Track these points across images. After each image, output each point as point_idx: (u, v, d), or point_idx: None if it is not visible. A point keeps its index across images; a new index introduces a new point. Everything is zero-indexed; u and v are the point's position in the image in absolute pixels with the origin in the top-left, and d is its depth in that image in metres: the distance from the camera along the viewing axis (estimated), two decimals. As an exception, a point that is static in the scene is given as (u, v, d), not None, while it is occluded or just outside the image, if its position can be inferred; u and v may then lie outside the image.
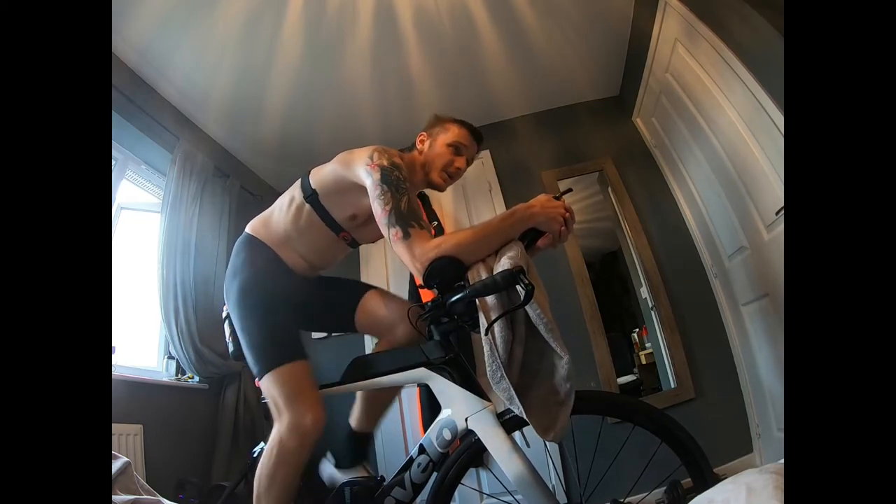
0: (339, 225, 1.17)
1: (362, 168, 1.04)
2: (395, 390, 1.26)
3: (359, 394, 1.22)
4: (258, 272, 1.13)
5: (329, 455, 1.20)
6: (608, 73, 2.66)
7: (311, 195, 1.14)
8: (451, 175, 1.22)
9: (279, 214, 1.19)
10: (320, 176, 1.15)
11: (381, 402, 1.25)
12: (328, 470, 1.17)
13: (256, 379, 1.05)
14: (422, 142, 1.24)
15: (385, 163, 1.02)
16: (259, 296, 1.10)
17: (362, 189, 1.05)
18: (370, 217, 1.06)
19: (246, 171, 2.84)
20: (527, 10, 2.12)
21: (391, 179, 1.00)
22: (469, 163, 1.25)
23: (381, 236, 1.06)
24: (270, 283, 1.12)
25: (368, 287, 1.29)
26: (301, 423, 0.98)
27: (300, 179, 1.19)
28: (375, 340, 1.29)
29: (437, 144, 1.21)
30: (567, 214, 0.99)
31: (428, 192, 2.62)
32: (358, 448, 1.21)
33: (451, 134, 1.22)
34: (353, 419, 1.23)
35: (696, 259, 2.38)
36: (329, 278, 1.32)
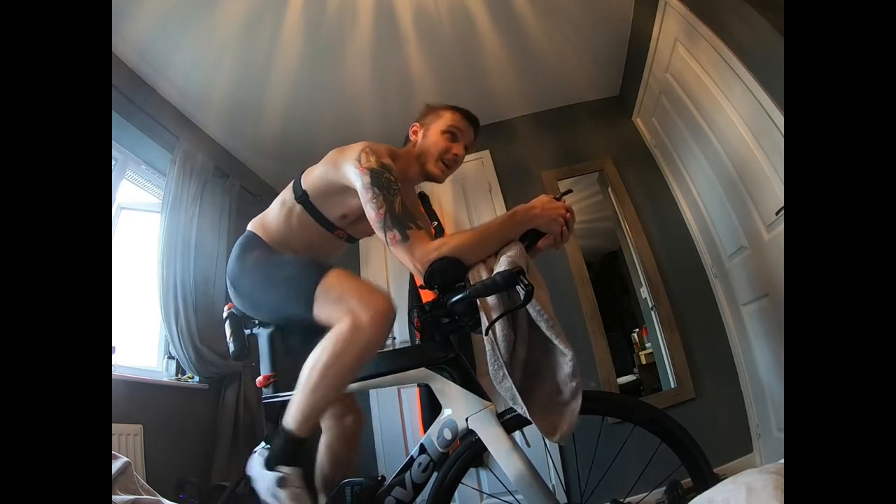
0: (332, 223, 1.16)
1: (351, 170, 1.02)
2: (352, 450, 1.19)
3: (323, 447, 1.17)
4: (266, 251, 1.13)
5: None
6: (608, 73, 2.66)
7: (301, 196, 1.13)
8: (449, 164, 1.17)
9: (273, 215, 1.19)
10: (311, 177, 1.14)
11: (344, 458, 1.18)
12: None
13: (311, 311, 0.94)
14: (415, 133, 1.21)
15: (374, 164, 1.00)
16: (274, 256, 1.10)
17: (352, 189, 1.03)
18: (362, 215, 1.04)
19: (246, 171, 2.84)
20: (527, 10, 2.12)
21: (382, 182, 0.98)
22: (466, 149, 1.20)
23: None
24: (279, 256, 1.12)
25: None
26: (374, 304, 0.89)
27: (293, 181, 1.18)
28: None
29: (431, 133, 1.18)
30: (568, 215, 0.99)
31: (428, 192, 2.63)
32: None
33: (444, 120, 1.18)
34: (318, 477, 1.13)
35: (696, 259, 2.38)
36: None
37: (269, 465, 0.93)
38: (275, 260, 1.09)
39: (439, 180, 1.20)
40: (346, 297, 0.92)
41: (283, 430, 0.93)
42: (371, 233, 1.19)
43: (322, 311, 0.94)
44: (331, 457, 1.17)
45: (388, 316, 0.91)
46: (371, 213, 0.98)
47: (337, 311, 0.92)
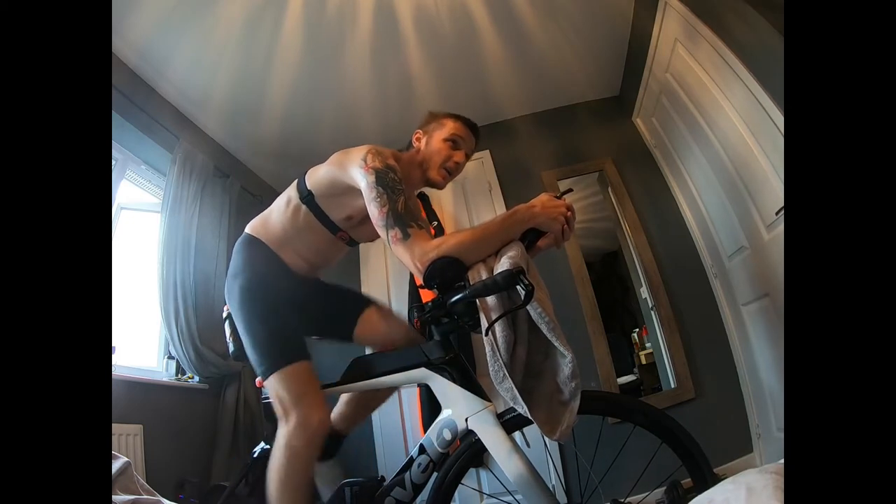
0: (336, 225, 1.17)
1: (357, 170, 1.03)
2: (388, 392, 1.26)
3: (346, 397, 1.22)
4: (259, 272, 1.13)
5: None
6: (608, 73, 2.66)
7: (307, 196, 1.14)
8: (450, 171, 1.20)
9: (277, 215, 1.19)
10: (316, 177, 1.14)
11: (369, 407, 1.24)
12: None
13: (259, 379, 1.04)
14: (418, 139, 1.23)
15: (379, 165, 1.01)
16: (261, 296, 1.10)
17: (357, 190, 1.05)
18: (366, 217, 1.05)
19: (246, 171, 2.84)
20: (527, 10, 2.12)
21: (386, 181, 0.99)
22: (468, 157, 1.23)
23: (379, 235, 1.06)
24: (272, 284, 1.12)
25: (370, 301, 1.28)
26: (308, 422, 0.97)
27: (297, 180, 1.18)
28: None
29: (433, 140, 1.20)
30: (568, 214, 0.98)
31: (428, 191, 2.63)
32: (330, 445, 1.18)
33: (447, 128, 1.20)
34: (334, 418, 1.21)
35: (696, 259, 2.38)
36: (331, 285, 1.31)
37: None
38: (260, 306, 1.09)
39: (440, 187, 1.22)
40: (288, 402, 0.99)
41: None
42: (371, 238, 1.21)
43: (271, 392, 1.02)
44: (348, 402, 1.23)
45: (317, 431, 0.98)
46: (374, 211, 0.98)
47: (279, 406, 1.01)
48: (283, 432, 0.99)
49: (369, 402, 1.23)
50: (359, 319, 1.23)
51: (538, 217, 0.97)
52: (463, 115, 1.24)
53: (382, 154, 1.05)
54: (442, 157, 1.18)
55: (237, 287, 1.11)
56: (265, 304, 1.09)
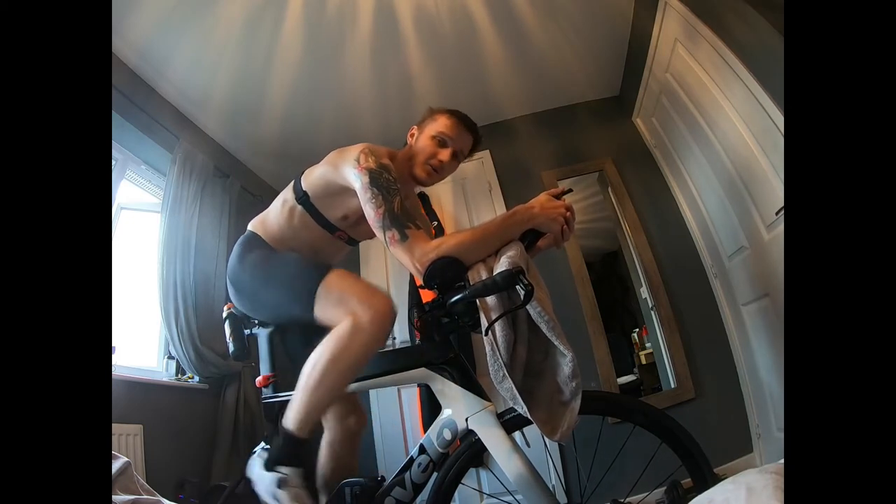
0: (333, 225, 1.16)
1: (350, 171, 1.02)
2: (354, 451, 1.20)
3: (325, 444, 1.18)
4: (266, 251, 1.13)
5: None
6: (608, 73, 2.66)
7: (302, 197, 1.14)
8: (435, 168, 1.14)
9: (274, 216, 1.19)
10: (311, 178, 1.14)
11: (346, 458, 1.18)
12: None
13: (312, 311, 0.94)
14: (412, 135, 1.22)
15: (373, 165, 1.00)
16: (274, 256, 1.10)
17: (352, 191, 1.04)
18: (362, 217, 1.04)
19: (246, 171, 2.84)
20: (527, 10, 2.12)
21: (380, 182, 0.98)
22: (456, 156, 1.17)
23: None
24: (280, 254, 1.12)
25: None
26: (375, 305, 0.90)
27: (293, 181, 1.18)
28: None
29: (423, 136, 1.17)
30: (568, 214, 0.98)
31: (428, 191, 2.63)
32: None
33: (436, 125, 1.16)
34: (319, 469, 1.15)
35: (696, 259, 2.38)
36: None
37: (269, 465, 0.93)
38: (276, 259, 1.10)
39: (424, 184, 1.18)
40: (347, 297, 0.93)
41: (283, 431, 0.93)
42: (371, 235, 1.19)
43: (323, 311, 0.94)
44: (332, 457, 1.17)
45: (389, 316, 0.91)
46: (370, 213, 0.98)
47: (338, 311, 0.92)
48: (341, 325, 0.89)
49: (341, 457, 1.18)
50: None
51: (537, 217, 0.97)
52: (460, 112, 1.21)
53: (376, 153, 1.03)
54: (426, 154, 1.14)
55: (248, 263, 1.10)
56: (280, 258, 1.08)
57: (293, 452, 0.93)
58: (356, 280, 0.98)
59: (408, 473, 0.98)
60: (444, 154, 1.15)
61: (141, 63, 2.03)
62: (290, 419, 0.92)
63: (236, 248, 1.18)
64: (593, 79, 2.68)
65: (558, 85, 2.68)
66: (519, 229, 0.98)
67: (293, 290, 1.01)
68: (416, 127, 1.23)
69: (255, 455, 1.02)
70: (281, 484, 0.90)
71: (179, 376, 2.10)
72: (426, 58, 2.27)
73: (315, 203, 1.14)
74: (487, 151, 2.80)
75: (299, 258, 1.08)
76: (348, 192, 1.06)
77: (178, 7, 1.81)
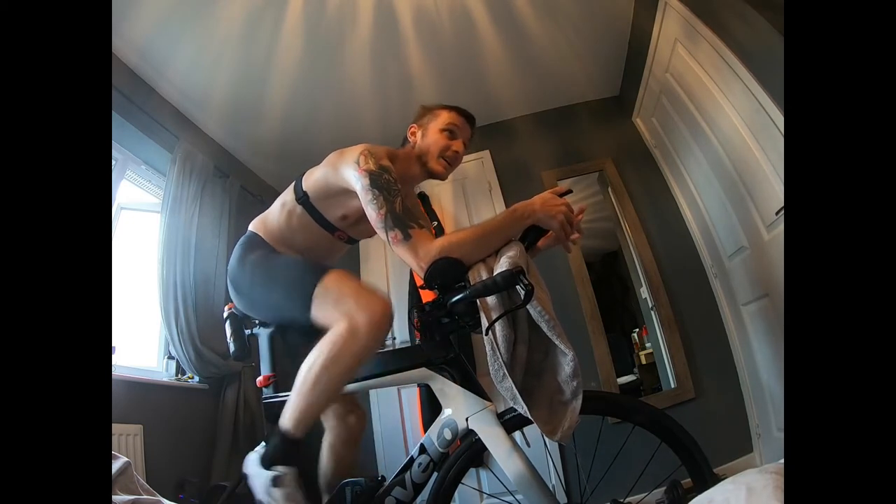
0: (333, 225, 1.17)
1: (351, 172, 1.03)
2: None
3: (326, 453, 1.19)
4: (266, 251, 1.14)
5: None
6: (608, 73, 2.66)
7: (302, 197, 1.15)
8: (450, 160, 1.18)
9: (274, 216, 1.20)
10: (312, 179, 1.15)
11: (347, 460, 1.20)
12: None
13: (309, 312, 0.95)
14: (413, 134, 1.22)
15: (373, 166, 1.01)
16: (275, 257, 1.11)
17: (352, 192, 1.05)
18: (362, 216, 1.05)
19: (246, 171, 2.84)
20: (527, 11, 2.12)
21: (381, 183, 0.98)
22: (465, 146, 1.22)
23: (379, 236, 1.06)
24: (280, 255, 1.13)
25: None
26: (372, 307, 0.90)
27: (294, 182, 1.19)
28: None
29: (430, 132, 1.19)
30: (567, 211, 0.97)
31: (428, 192, 2.64)
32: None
33: (442, 119, 1.19)
34: (322, 476, 1.17)
35: (696, 259, 2.38)
36: None
37: (265, 464, 0.93)
38: (275, 260, 1.10)
39: (442, 177, 1.20)
40: (344, 299, 0.93)
41: (279, 430, 0.93)
42: (370, 234, 1.20)
43: (320, 312, 0.95)
44: (333, 456, 1.17)
45: (386, 319, 0.91)
46: (372, 213, 0.98)
47: (335, 313, 0.92)
48: (336, 328, 0.90)
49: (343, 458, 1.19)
50: None
51: (537, 213, 0.97)
52: (457, 105, 1.23)
53: (376, 154, 1.04)
54: (440, 146, 1.17)
55: (248, 263, 1.11)
56: (280, 259, 1.09)
57: (289, 452, 0.93)
58: (353, 282, 0.98)
59: (408, 473, 0.98)
60: (458, 145, 1.18)
61: (141, 63, 2.03)
62: (287, 419, 0.92)
63: (237, 248, 1.18)
64: (593, 79, 2.68)
65: (558, 85, 2.69)
66: (520, 225, 0.98)
67: (291, 291, 1.01)
68: (415, 125, 1.23)
69: (253, 452, 1.03)
70: (276, 482, 0.90)
71: (179, 376, 2.10)
72: (426, 58, 2.27)
73: (315, 203, 1.14)
74: (487, 151, 2.80)
75: (299, 260, 1.08)
76: (348, 192, 1.07)
77: (178, 7, 1.81)
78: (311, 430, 0.95)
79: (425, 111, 1.24)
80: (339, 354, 0.89)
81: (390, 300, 0.94)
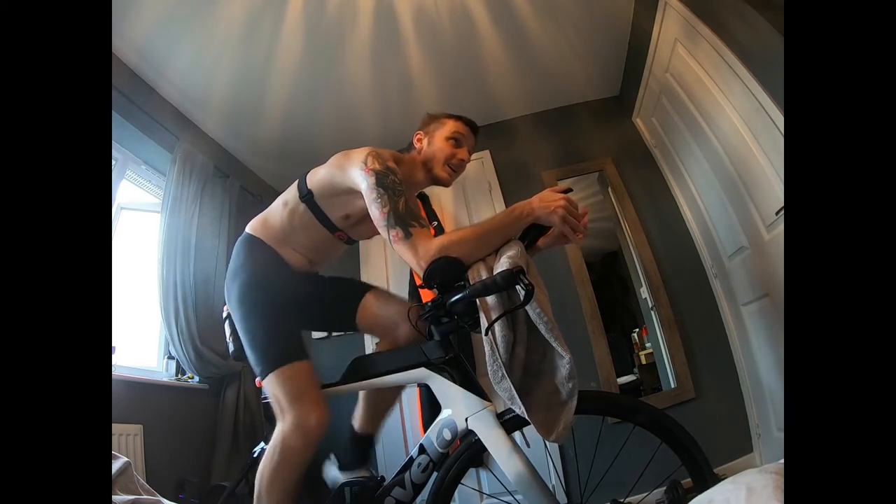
0: (334, 224, 1.18)
1: (357, 172, 1.04)
2: (397, 392, 1.26)
3: (361, 396, 1.22)
4: (259, 271, 1.14)
5: (332, 457, 1.21)
6: (608, 73, 2.66)
7: (306, 195, 1.16)
8: (455, 167, 1.22)
9: (276, 214, 1.20)
10: (316, 178, 1.16)
11: (383, 404, 1.24)
12: (332, 472, 1.18)
13: (259, 379, 1.05)
14: (419, 140, 1.25)
15: (379, 167, 1.03)
16: (260, 295, 1.10)
17: (356, 192, 1.06)
18: (364, 216, 1.08)
19: (246, 171, 2.84)
20: (527, 11, 2.12)
21: (386, 183, 1.00)
22: (469, 154, 1.25)
23: (377, 232, 1.07)
24: (272, 282, 1.13)
25: (369, 287, 1.29)
26: (305, 422, 0.97)
27: (297, 181, 1.20)
28: (376, 340, 1.29)
29: (435, 140, 1.22)
30: (565, 203, 0.96)
31: (428, 192, 2.63)
32: (361, 450, 1.21)
33: (448, 127, 1.22)
34: (356, 421, 1.23)
35: (696, 259, 2.38)
36: (330, 278, 1.32)
37: None
38: (258, 306, 1.09)
39: (447, 184, 1.24)
40: (285, 402, 1.00)
41: None
42: (370, 235, 1.22)
43: (269, 391, 1.03)
44: (368, 402, 1.22)
45: (317, 434, 0.98)
46: (375, 212, 0.99)
47: (276, 405, 1.02)
48: (279, 431, 1.00)
49: (378, 403, 1.23)
50: (359, 306, 1.23)
51: (536, 211, 0.97)
52: (462, 115, 1.26)
53: (382, 156, 1.06)
54: (445, 154, 1.20)
55: (236, 287, 1.12)
56: (264, 303, 1.09)
57: None
58: (307, 383, 1.02)
59: (407, 473, 0.99)
60: (463, 153, 1.22)
61: (141, 63, 2.03)
62: None
63: (234, 254, 1.19)
64: (593, 79, 2.68)
65: (558, 85, 2.68)
66: (520, 224, 0.98)
67: (256, 351, 1.06)
68: (421, 132, 1.26)
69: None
70: None
71: (179, 376, 2.10)
72: (426, 58, 2.27)
73: (319, 202, 1.15)
74: (487, 151, 2.80)
75: (279, 320, 1.09)
76: (353, 192, 1.09)
77: (178, 7, 1.81)
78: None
79: (431, 119, 1.27)
80: (279, 465, 0.98)
81: (327, 412, 1.00)
